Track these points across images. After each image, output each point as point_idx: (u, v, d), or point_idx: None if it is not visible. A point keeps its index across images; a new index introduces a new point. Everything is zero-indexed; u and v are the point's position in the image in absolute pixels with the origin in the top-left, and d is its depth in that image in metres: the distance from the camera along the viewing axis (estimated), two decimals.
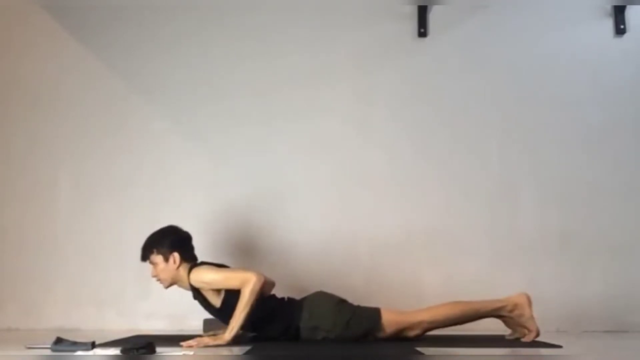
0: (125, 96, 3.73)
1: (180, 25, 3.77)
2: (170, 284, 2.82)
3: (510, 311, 2.77)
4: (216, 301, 2.75)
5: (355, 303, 2.83)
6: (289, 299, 2.86)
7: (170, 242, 2.81)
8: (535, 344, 2.69)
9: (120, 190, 3.64)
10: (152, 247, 2.81)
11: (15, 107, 3.75)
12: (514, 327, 2.82)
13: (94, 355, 2.28)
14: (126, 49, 3.77)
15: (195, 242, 2.89)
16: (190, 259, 2.83)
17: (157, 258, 2.79)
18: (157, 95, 3.74)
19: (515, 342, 2.75)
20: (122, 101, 3.73)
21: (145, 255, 2.82)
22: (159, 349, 2.30)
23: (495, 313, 2.80)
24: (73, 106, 3.74)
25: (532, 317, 2.77)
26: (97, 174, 3.66)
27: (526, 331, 2.77)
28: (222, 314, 2.77)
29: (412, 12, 3.76)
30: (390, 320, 2.76)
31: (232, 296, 2.70)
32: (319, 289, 2.90)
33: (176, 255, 2.79)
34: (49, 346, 2.36)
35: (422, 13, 3.73)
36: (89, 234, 3.61)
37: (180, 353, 2.26)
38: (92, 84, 3.75)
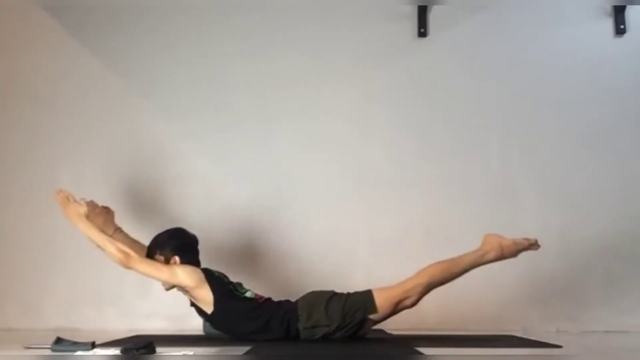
0: (124, 95, 3.73)
1: (180, 25, 3.77)
2: (170, 287, 2.82)
3: (501, 255, 2.82)
4: (207, 307, 2.77)
5: None
6: (284, 302, 2.85)
7: (174, 245, 2.83)
8: (535, 343, 2.69)
9: (120, 189, 3.63)
10: (156, 248, 2.85)
11: (14, 106, 3.74)
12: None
13: (94, 355, 2.28)
14: (125, 48, 3.76)
15: None
16: (191, 264, 2.83)
17: (159, 260, 2.81)
18: (156, 94, 3.74)
19: (515, 342, 2.74)
20: (121, 100, 3.73)
21: (150, 255, 2.84)
22: (159, 349, 2.29)
23: (482, 260, 2.83)
24: (72, 106, 3.73)
25: (514, 241, 2.81)
26: (97, 174, 3.65)
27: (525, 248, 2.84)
28: (214, 320, 2.80)
29: (412, 12, 3.75)
30: (383, 296, 2.76)
31: (222, 302, 2.74)
32: (318, 289, 2.89)
33: (176, 259, 2.81)
34: (49, 346, 2.35)
35: (422, 13, 3.73)
36: None
37: (180, 353, 2.25)
38: (91, 83, 3.74)
